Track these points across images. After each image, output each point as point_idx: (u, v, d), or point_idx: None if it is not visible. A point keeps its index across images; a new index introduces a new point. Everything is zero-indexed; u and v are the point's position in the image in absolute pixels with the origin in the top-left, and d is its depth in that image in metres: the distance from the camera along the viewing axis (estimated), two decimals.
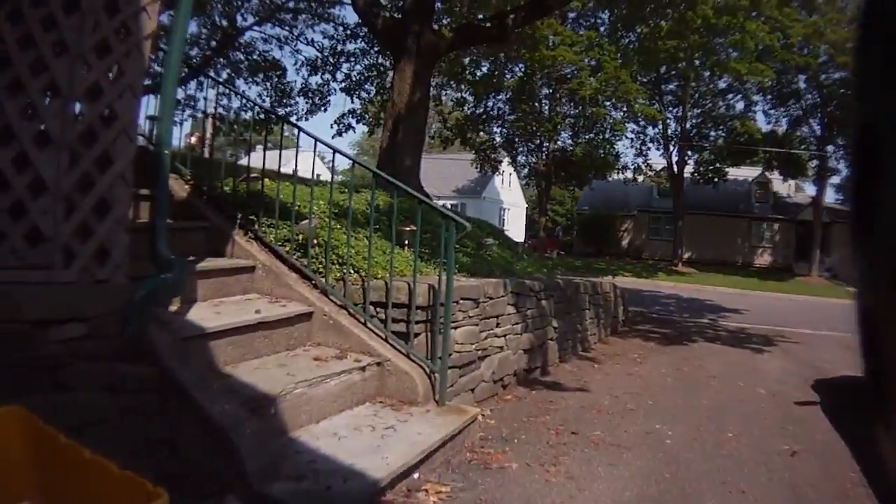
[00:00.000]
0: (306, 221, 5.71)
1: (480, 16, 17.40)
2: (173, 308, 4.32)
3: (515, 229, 56.25)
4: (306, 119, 26.85)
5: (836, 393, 8.25)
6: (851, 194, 0.92)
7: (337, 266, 5.53)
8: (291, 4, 25.22)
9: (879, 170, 0.75)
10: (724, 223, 45.71)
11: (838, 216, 43.52)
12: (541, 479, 4.30)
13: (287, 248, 5.66)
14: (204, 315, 4.38)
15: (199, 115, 8.60)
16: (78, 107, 3.36)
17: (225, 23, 25.59)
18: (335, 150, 6.01)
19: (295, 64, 35.07)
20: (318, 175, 7.70)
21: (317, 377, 4.22)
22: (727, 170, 39.35)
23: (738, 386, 8.13)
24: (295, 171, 6.25)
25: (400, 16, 13.52)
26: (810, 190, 46.85)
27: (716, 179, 39.36)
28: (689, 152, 40.23)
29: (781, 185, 47.74)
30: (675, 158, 39.75)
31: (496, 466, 4.39)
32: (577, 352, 9.06)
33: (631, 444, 5.22)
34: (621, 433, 5.53)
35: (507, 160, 44.71)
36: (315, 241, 5.67)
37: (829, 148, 39.26)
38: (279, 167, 6.27)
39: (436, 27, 14.93)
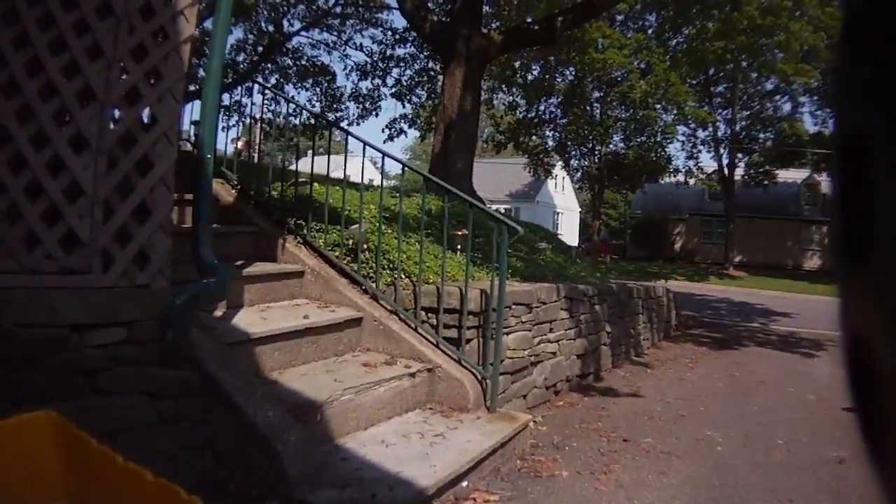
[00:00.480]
0: (356, 226, 5.67)
1: (529, 19, 17.31)
2: (218, 313, 4.32)
3: (569, 233, 56.02)
4: (357, 124, 26.84)
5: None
6: (835, 213, 0.80)
7: (387, 271, 5.49)
8: (339, 9, 25.27)
9: (869, 184, 0.64)
10: (775, 226, 45.24)
11: None
12: (590, 487, 4.25)
13: (337, 253, 5.61)
14: (250, 320, 4.36)
15: (248, 120, 8.59)
16: (117, 112, 3.34)
17: (272, 28, 25.70)
18: (384, 154, 5.92)
19: (344, 69, 35.46)
20: (371, 180, 7.67)
21: (365, 383, 4.18)
22: (776, 172, 38.98)
23: (788, 391, 8.10)
24: (345, 175, 6.23)
25: (448, 19, 13.47)
26: None
27: (765, 182, 39.14)
28: (739, 155, 39.92)
29: (829, 188, 47.23)
30: (725, 161, 39.44)
31: (546, 474, 4.32)
32: (630, 357, 8.97)
33: (681, 452, 5.19)
34: (672, 440, 5.50)
35: (559, 164, 44.54)
36: (365, 246, 5.63)
37: None
38: (328, 172, 6.24)
39: (485, 31, 14.91)
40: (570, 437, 5.22)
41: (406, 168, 6.58)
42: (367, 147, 5.88)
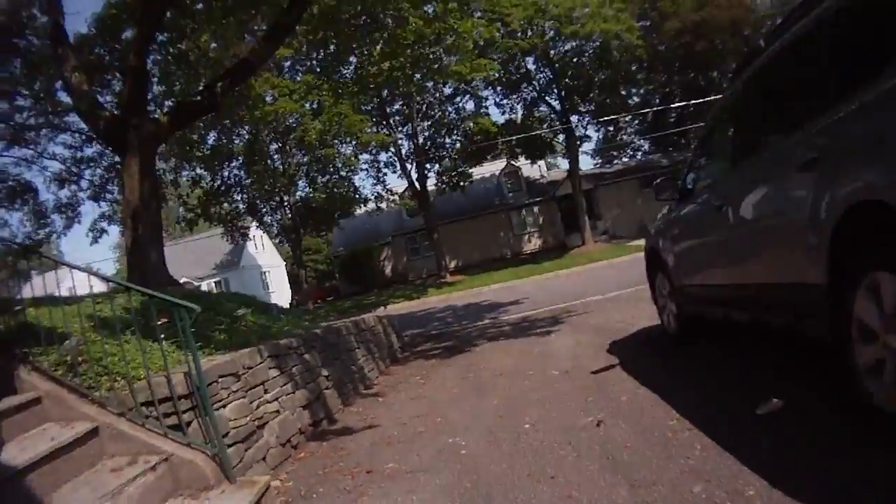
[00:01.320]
0: (68, 342, 5.79)
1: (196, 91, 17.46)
2: None
3: (280, 289, 56.21)
4: (65, 234, 26.52)
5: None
6: None
7: (105, 377, 5.60)
8: (32, 121, 24.20)
9: None
10: (481, 222, 47.81)
11: (600, 180, 46.11)
12: None
13: (60, 372, 5.66)
14: (13, 454, 4.39)
15: None
16: None
17: None
18: (72, 267, 6.11)
19: (44, 181, 34.00)
20: (92, 286, 7.71)
21: (116, 487, 4.33)
22: (471, 171, 41.01)
23: (529, 375, 8.10)
24: (70, 288, 6.31)
25: (118, 112, 13.39)
26: (565, 165, 49.53)
27: (461, 183, 40.77)
28: (429, 164, 41.36)
29: (532, 170, 49.95)
30: (415, 176, 40.63)
31: None
32: (359, 391, 9.21)
33: (426, 467, 5.22)
34: (414, 458, 5.53)
35: (254, 224, 44.49)
36: (80, 359, 5.73)
37: (574, 118, 41.79)
38: (47, 290, 6.30)
39: (158, 112, 14.94)
40: (315, 485, 5.28)
41: (91, 275, 6.75)
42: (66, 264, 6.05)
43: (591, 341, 9.63)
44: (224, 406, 5.61)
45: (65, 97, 21.19)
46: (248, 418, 5.87)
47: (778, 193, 4.55)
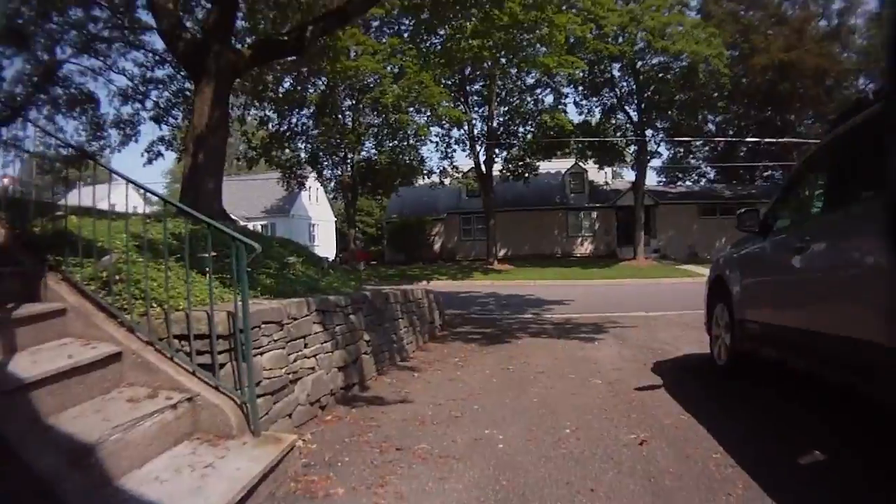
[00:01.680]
0: (107, 257, 5.50)
1: (284, 31, 17.31)
2: None
3: (326, 244, 56.40)
4: (119, 151, 26.79)
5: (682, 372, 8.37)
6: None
7: (140, 301, 5.29)
8: (106, 33, 24.22)
9: None
10: (539, 217, 47.57)
11: (662, 198, 45.84)
12: (369, 502, 4.15)
13: (93, 287, 5.38)
14: (23, 365, 4.12)
15: (22, 154, 8.25)
16: None
17: (46, 57, 24.34)
18: (128, 181, 5.79)
19: (107, 94, 34.69)
20: (135, 207, 7.49)
21: (131, 420, 4.05)
22: (538, 164, 40.67)
23: (570, 378, 7.99)
24: (111, 204, 6.06)
25: (201, 37, 13.19)
26: (630, 176, 49.05)
27: (526, 175, 40.56)
28: (498, 150, 41.14)
29: (597, 174, 49.60)
30: (482, 158, 40.39)
31: (322, 494, 4.24)
32: (395, 363, 9.02)
33: (460, 455, 5.06)
34: (448, 443, 5.37)
35: (313, 175, 44.55)
36: (117, 277, 5.45)
37: (648, 132, 41.56)
38: (93, 203, 6.05)
39: (239, 46, 14.76)
40: (341, 452, 5.12)
41: (147, 192, 6.48)
42: (121, 176, 5.75)
43: (635, 356, 9.50)
44: (262, 354, 5.39)
45: (144, 15, 21.23)
46: (283, 370, 5.67)
47: (864, 248, 4.45)
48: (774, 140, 44.48)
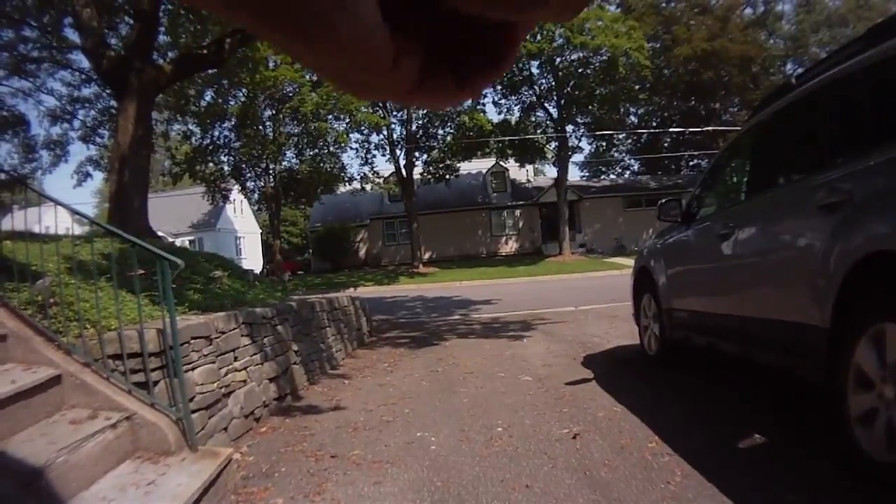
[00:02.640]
0: (41, 281, 5.56)
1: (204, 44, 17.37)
2: None
3: (253, 256, 56.08)
4: (50, 172, 26.90)
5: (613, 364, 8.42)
6: None
7: (75, 323, 5.38)
8: (35, 53, 24.01)
9: None
10: (462, 218, 47.96)
11: (585, 192, 46.36)
12: None
13: (29, 311, 5.44)
14: None
15: None
16: None
17: None
18: (57, 203, 5.86)
19: (37, 115, 34.01)
20: (68, 229, 7.55)
21: (75, 442, 4.12)
22: (459, 165, 40.98)
23: (500, 377, 8.02)
24: (45, 228, 6.13)
25: (124, 54, 13.20)
26: (552, 172, 49.52)
27: (448, 176, 40.89)
28: (418, 153, 41.34)
29: (519, 173, 49.98)
30: (402, 162, 40.59)
31: None
32: (325, 371, 9.08)
33: (394, 458, 5.09)
34: (381, 448, 5.40)
35: (237, 188, 44.33)
36: (52, 300, 5.51)
37: (569, 128, 41.94)
38: (25, 226, 6.11)
39: (162, 60, 14.77)
40: (277, 462, 5.15)
41: (74, 213, 6.55)
42: (50, 199, 5.84)
43: (565, 352, 9.56)
44: (193, 369, 5.45)
45: (71, 34, 21.11)
46: (215, 385, 5.72)
47: (791, 231, 4.61)
48: (699, 129, 45.30)
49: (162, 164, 42.06)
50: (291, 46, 0.39)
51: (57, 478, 3.82)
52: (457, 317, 16.25)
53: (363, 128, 36.71)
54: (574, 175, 56.61)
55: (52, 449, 3.96)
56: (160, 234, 16.18)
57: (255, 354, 6.81)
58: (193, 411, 5.12)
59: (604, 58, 37.08)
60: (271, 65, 30.35)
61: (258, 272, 39.66)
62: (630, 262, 9.00)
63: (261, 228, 64.52)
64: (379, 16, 0.40)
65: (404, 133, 40.87)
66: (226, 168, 41.11)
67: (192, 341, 5.54)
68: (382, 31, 0.41)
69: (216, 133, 38.00)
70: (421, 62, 0.46)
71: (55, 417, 4.67)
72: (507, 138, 39.62)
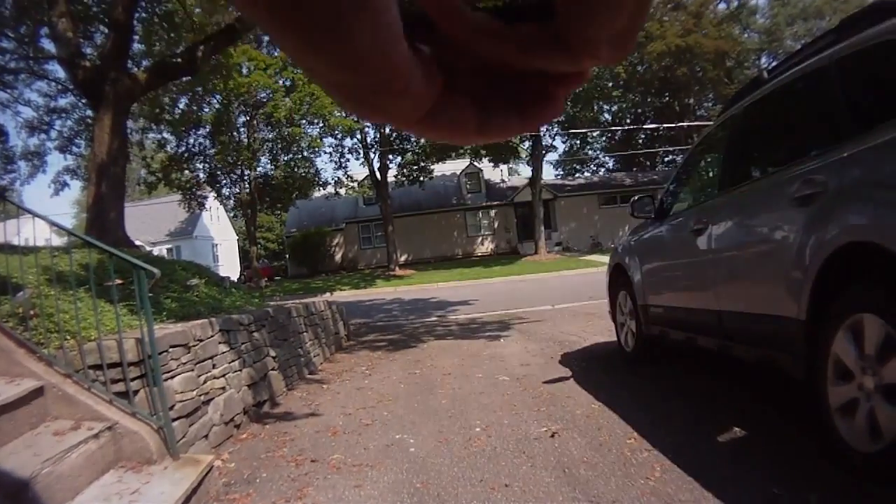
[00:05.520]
0: (22, 293, 5.61)
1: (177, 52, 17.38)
2: None
3: (230, 263, 55.92)
4: (29, 183, 27.01)
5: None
6: None
7: (56, 334, 5.40)
8: (13, 64, 23.97)
9: None
10: (437, 219, 48.00)
11: (560, 191, 46.40)
12: None
13: (11, 324, 5.47)
14: None
15: None
16: None
17: None
18: (35, 215, 5.91)
19: (15, 126, 33.88)
20: (47, 240, 7.58)
21: (59, 453, 4.16)
22: (433, 167, 40.97)
23: (478, 378, 8.04)
24: (24, 239, 6.15)
25: (99, 63, 13.23)
26: (527, 172, 49.46)
27: (422, 178, 40.93)
28: (392, 156, 41.36)
29: (493, 173, 50.05)
30: (377, 165, 40.59)
31: None
32: (304, 376, 9.10)
33: (373, 462, 5.12)
34: (361, 451, 5.44)
35: (212, 195, 44.18)
36: (32, 312, 5.55)
37: (542, 127, 41.88)
38: (5, 238, 6.14)
39: (136, 69, 14.83)
40: (258, 468, 5.17)
41: (53, 225, 6.59)
42: (28, 211, 5.89)
43: (542, 351, 9.59)
44: (172, 378, 5.48)
45: (47, 44, 21.11)
46: (194, 392, 5.75)
47: (766, 224, 4.61)
48: (673, 125, 45.43)
49: (138, 173, 41.84)
50: (306, 53, 0.38)
51: (43, 489, 3.87)
52: (434, 318, 16.25)
53: (337, 132, 36.57)
54: (549, 174, 56.81)
55: (37, 461, 4.00)
56: (138, 243, 16.20)
57: (233, 361, 6.83)
58: (174, 419, 5.16)
59: None
60: (244, 71, 30.39)
61: (235, 279, 39.61)
62: (606, 259, 9.08)
63: (237, 235, 64.30)
64: (401, 27, 0.39)
65: (378, 136, 40.80)
66: (201, 175, 40.98)
67: (171, 350, 5.57)
68: (403, 46, 0.40)
69: (191, 140, 37.92)
70: (439, 90, 0.46)
71: (39, 429, 4.71)
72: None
